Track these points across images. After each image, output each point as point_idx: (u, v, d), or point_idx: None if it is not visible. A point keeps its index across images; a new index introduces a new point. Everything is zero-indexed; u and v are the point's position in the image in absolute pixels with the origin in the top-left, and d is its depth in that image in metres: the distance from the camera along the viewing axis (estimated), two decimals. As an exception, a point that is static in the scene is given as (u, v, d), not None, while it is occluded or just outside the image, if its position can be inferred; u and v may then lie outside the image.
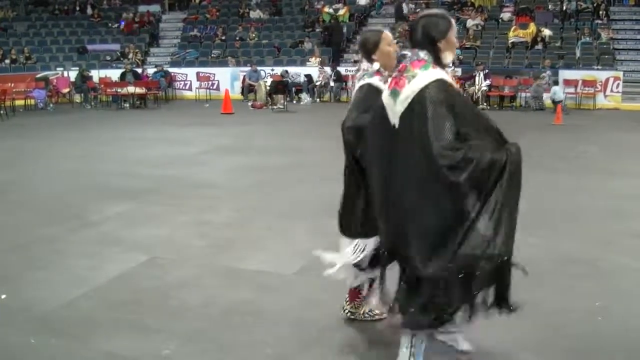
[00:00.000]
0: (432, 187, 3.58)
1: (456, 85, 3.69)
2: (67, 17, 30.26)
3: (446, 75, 3.71)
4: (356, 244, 4.65)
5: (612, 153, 12.26)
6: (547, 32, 24.27)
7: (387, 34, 4.58)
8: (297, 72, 23.43)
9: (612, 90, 21.19)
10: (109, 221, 7.89)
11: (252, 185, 9.85)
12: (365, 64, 4.59)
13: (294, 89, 22.98)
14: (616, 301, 5.28)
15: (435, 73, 3.65)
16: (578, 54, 23.33)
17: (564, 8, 26.21)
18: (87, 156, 12.62)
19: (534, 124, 17.58)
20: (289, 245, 6.91)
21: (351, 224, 4.68)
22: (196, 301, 5.40)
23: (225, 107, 19.75)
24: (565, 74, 21.43)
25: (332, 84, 23.16)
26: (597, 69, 21.91)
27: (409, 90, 3.62)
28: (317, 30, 26.65)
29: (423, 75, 3.63)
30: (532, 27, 24.23)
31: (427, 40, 3.72)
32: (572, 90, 21.14)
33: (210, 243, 6.97)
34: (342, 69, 23.54)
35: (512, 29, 24.40)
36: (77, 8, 30.62)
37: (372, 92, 4.29)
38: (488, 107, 21.13)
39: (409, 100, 3.62)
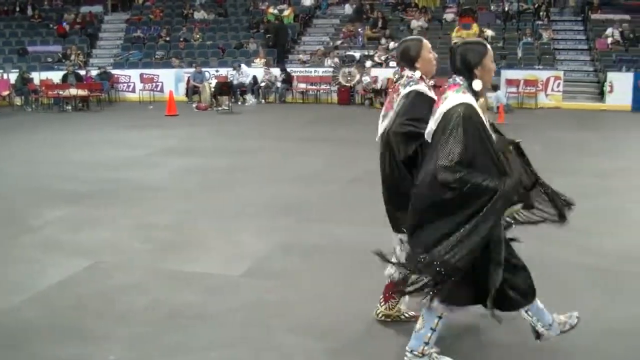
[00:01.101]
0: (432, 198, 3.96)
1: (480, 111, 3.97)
2: (6, 17, 29.65)
3: (473, 100, 3.95)
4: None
5: (553, 151, 12.46)
6: (489, 32, 24.54)
7: (426, 42, 4.82)
8: (247, 72, 23.23)
9: (553, 90, 21.52)
10: (51, 225, 7.75)
11: (197, 187, 9.78)
12: (408, 72, 4.70)
13: (238, 90, 22.86)
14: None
15: (463, 97, 3.92)
16: (520, 54, 23.68)
17: (506, 9, 26.60)
18: (28, 160, 12.39)
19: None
20: (235, 247, 6.88)
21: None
22: (141, 305, 5.34)
23: (169, 108, 19.56)
24: (507, 74, 21.70)
25: (279, 84, 23.10)
26: (539, 69, 22.25)
27: (440, 110, 3.96)
28: (262, 31, 26.56)
29: (453, 97, 3.94)
30: (475, 28, 24.47)
31: (464, 66, 4.06)
32: (514, 89, 21.42)
33: (155, 246, 6.91)
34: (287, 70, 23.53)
35: (456, 30, 24.60)
36: (17, 9, 30.05)
37: (418, 99, 4.49)
38: (432, 107, 21.31)
39: (439, 120, 3.95)
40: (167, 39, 26.95)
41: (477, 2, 27.37)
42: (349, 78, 22.38)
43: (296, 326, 4.96)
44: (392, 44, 23.72)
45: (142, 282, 5.88)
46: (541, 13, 26.09)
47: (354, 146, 13.38)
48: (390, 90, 4.94)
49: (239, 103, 22.34)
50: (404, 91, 4.61)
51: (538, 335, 4.32)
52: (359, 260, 6.42)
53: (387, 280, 4.97)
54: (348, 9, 27.44)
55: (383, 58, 23.21)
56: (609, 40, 23.65)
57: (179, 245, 6.97)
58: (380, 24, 25.74)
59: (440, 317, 4.18)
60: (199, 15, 28.49)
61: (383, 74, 22.00)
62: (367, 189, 9.56)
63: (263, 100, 23.14)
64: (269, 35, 25.77)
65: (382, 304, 5.08)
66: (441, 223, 3.95)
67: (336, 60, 23.37)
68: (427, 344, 4.20)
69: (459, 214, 3.89)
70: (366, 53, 23.74)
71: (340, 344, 4.68)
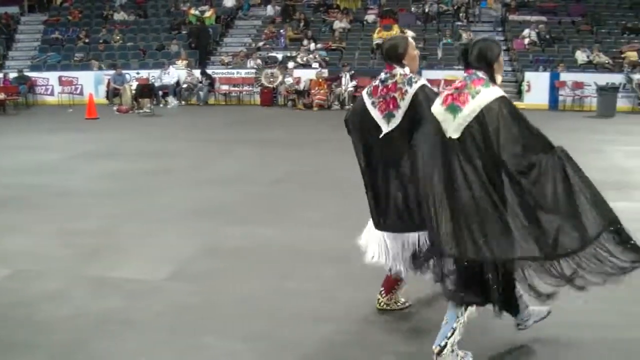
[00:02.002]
0: (485, 189, 3.98)
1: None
2: None
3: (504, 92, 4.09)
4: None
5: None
6: (410, 33, 24.74)
7: (411, 39, 5.07)
8: (174, 74, 22.92)
9: (472, 89, 21.92)
10: (-32, 233, 7.53)
11: (120, 191, 9.63)
12: (400, 69, 4.82)
13: (160, 92, 22.58)
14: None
15: (497, 91, 4.06)
16: (440, 54, 24.05)
17: (426, 10, 26.97)
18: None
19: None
20: (159, 251, 6.81)
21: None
22: (64, 313, 5.23)
23: (89, 112, 19.20)
24: (428, 74, 21.93)
25: (202, 86, 22.86)
26: (458, 69, 22.59)
27: (475, 105, 4.00)
28: (184, 32, 26.30)
29: (487, 92, 4.03)
30: (396, 29, 24.71)
31: (483, 62, 4.17)
32: (435, 89, 21.66)
33: (76, 252, 6.76)
34: (208, 72, 23.33)
35: (377, 31, 24.84)
36: None
37: (431, 93, 4.68)
38: (355, 108, 21.47)
39: (475, 113, 3.99)
40: (87, 40, 26.40)
41: (398, 4, 27.69)
42: (271, 79, 22.37)
43: (222, 329, 4.94)
44: (312, 45, 23.81)
45: (64, 289, 5.76)
46: (460, 14, 26.58)
47: (277, 147, 13.43)
48: (379, 89, 4.94)
49: (161, 105, 22.07)
50: (412, 89, 4.71)
51: (518, 325, 4.57)
52: (284, 261, 6.47)
53: (388, 273, 5.10)
54: (270, 10, 27.43)
55: (305, 59, 23.26)
56: (526, 41, 24.27)
57: (102, 250, 6.85)
58: (302, 25, 25.82)
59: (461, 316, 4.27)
60: (119, 16, 28.02)
61: (306, 75, 22.05)
62: (291, 190, 9.67)
63: (184, 103, 22.87)
64: (190, 37, 25.52)
65: (383, 295, 5.23)
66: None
67: (258, 61, 23.33)
68: (448, 338, 4.27)
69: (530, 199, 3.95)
70: (289, 54, 23.77)
71: (267, 345, 4.68)
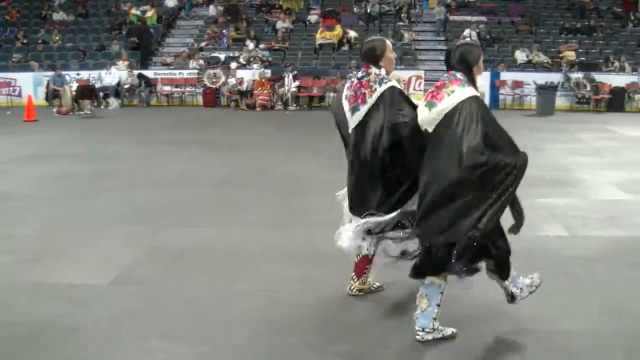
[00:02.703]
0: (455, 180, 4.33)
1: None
2: None
3: (478, 93, 4.46)
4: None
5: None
6: (352, 33, 24.97)
7: (389, 42, 5.35)
8: (116, 74, 22.52)
9: (415, 89, 22.06)
10: None
11: (60, 195, 9.44)
12: (375, 69, 5.14)
13: (101, 93, 22.20)
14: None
15: (470, 91, 4.42)
16: (382, 54, 24.15)
17: (368, 10, 27.11)
18: None
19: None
20: (101, 255, 6.70)
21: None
22: (2, 322, 5.10)
23: (28, 114, 18.78)
24: (370, 74, 22.13)
25: (142, 88, 22.55)
26: (401, 69, 22.75)
27: (448, 102, 4.38)
28: (125, 32, 25.94)
29: (461, 91, 4.40)
30: (339, 29, 24.86)
31: (464, 64, 4.53)
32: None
33: (15, 258, 6.60)
34: (150, 73, 23.05)
35: (319, 31, 24.92)
36: None
37: (400, 93, 5.05)
38: (298, 108, 21.50)
39: (447, 111, 4.37)
40: (25, 41, 25.83)
41: (340, 4, 27.81)
42: (214, 80, 22.21)
43: (168, 333, 4.88)
44: (251, 45, 23.71)
45: (2, 297, 5.62)
46: (402, 14, 26.79)
47: (220, 148, 13.34)
48: (354, 84, 5.21)
49: (102, 107, 21.71)
50: (381, 88, 5.03)
51: (513, 298, 4.82)
52: (229, 263, 6.43)
53: (357, 258, 5.40)
54: (212, 10, 27.27)
55: (248, 59, 23.17)
56: (467, 40, 24.49)
57: (41, 256, 6.70)
58: (245, 25, 25.72)
59: (442, 292, 4.59)
60: (58, 16, 27.53)
61: (249, 76, 21.96)
62: (234, 191, 9.62)
63: (123, 103, 22.46)
64: (131, 37, 25.19)
65: (355, 280, 5.49)
66: (460, 203, 4.34)
67: (201, 62, 23.12)
68: (435, 319, 4.61)
69: (482, 190, 4.32)
70: (231, 54, 23.63)
71: (213, 348, 4.64)
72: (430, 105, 4.47)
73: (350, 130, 5.16)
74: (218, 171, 10.90)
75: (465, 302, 5.13)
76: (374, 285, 5.62)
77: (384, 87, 5.03)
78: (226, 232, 7.47)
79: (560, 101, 21.82)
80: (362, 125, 5.06)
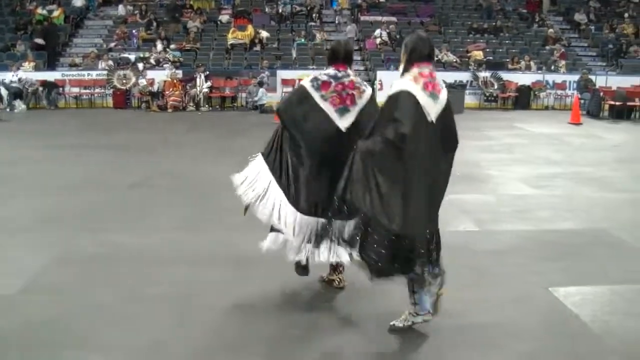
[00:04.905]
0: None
1: None
2: None
3: None
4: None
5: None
6: (264, 33, 24.96)
7: None
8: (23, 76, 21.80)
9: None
10: None
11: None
12: (350, 70, 5.31)
13: (6, 95, 21.47)
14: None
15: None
16: (294, 54, 24.24)
17: (280, 11, 27.13)
18: None
19: (256, 122, 18.05)
20: (8, 264, 6.46)
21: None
22: None
23: None
24: (282, 74, 22.15)
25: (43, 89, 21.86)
26: (312, 69, 22.82)
27: (445, 94, 4.67)
28: (30, 32, 25.18)
29: (443, 84, 4.77)
30: (250, 29, 24.78)
31: (432, 57, 4.79)
32: (289, 89, 21.75)
33: None
34: (58, 74, 22.45)
35: (231, 31, 24.79)
36: None
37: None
38: (210, 109, 21.33)
39: (446, 101, 4.66)
40: None
41: (252, 4, 27.73)
42: (124, 81, 21.80)
43: (80, 341, 4.78)
44: (160, 46, 23.42)
45: None
46: (314, 15, 26.90)
47: (131, 151, 13.11)
48: (332, 84, 5.20)
49: (7, 110, 21.04)
50: (369, 90, 5.30)
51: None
52: (141, 267, 6.32)
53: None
54: (122, 9, 26.81)
55: (158, 60, 22.87)
56: (378, 40, 24.84)
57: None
58: (155, 25, 25.39)
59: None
60: (-41, 16, 26.65)
61: (159, 77, 21.66)
62: (146, 194, 9.46)
63: (27, 105, 21.76)
64: (36, 37, 24.48)
65: (337, 273, 5.70)
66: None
67: (110, 62, 22.66)
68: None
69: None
70: (141, 55, 23.25)
71: (126, 354, 4.57)
72: (434, 96, 4.61)
73: (343, 130, 5.14)
74: (129, 174, 10.69)
75: (382, 298, 5.18)
76: (337, 282, 5.74)
77: (369, 89, 5.33)
78: (137, 236, 7.33)
79: (469, 99, 22.31)
80: (355, 125, 5.10)
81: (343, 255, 5.04)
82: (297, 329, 4.98)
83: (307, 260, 5.37)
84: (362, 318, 5.14)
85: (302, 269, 5.57)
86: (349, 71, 5.26)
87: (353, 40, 24.47)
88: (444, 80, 20.81)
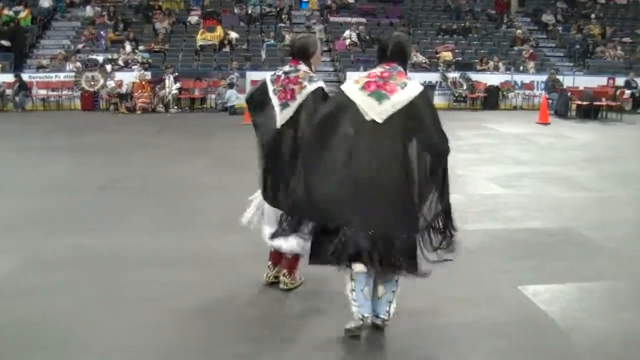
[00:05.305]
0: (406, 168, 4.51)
1: None
2: None
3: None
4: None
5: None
6: (233, 35, 24.90)
7: (319, 41, 5.54)
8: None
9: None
10: None
11: None
12: (304, 67, 5.27)
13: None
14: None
15: (419, 84, 4.64)
16: (264, 55, 24.21)
17: (249, 12, 27.08)
18: None
19: (226, 123, 18.02)
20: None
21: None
22: None
23: None
24: (252, 75, 22.08)
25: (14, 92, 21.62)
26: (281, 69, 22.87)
27: (405, 95, 4.50)
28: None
29: (413, 85, 4.59)
30: (219, 30, 24.71)
31: (401, 56, 4.73)
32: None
33: None
34: (25, 76, 22.18)
35: (200, 32, 24.70)
36: None
37: (323, 95, 5.08)
38: (179, 110, 21.23)
39: (405, 103, 4.48)
40: None
41: (221, 5, 27.64)
42: (92, 83, 21.63)
43: (51, 345, 4.71)
44: (128, 47, 23.27)
45: None
46: (283, 16, 26.88)
47: (100, 153, 13.02)
48: (281, 78, 5.30)
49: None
50: (310, 86, 5.11)
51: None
52: (112, 270, 6.26)
53: (272, 249, 5.62)
54: (89, 10, 26.60)
55: (127, 61, 22.72)
56: (347, 41, 24.89)
57: None
58: (123, 26, 25.21)
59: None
60: None
61: (128, 78, 21.51)
62: (115, 196, 9.39)
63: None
64: (3, 39, 24.19)
65: (271, 268, 5.74)
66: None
67: (78, 64, 22.48)
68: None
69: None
70: (109, 56, 23.08)
71: (98, 358, 4.52)
72: (379, 96, 4.53)
73: (278, 126, 5.18)
74: (98, 176, 10.60)
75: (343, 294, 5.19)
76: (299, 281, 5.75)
77: (314, 85, 5.13)
78: (108, 239, 7.25)
79: (438, 100, 22.43)
80: (293, 121, 5.11)
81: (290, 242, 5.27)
82: (267, 329, 4.97)
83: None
84: (331, 318, 5.14)
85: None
86: (300, 66, 5.26)
87: (322, 42, 24.53)
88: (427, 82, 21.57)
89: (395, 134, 4.49)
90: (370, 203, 4.53)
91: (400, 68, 4.67)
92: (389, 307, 4.81)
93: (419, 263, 4.63)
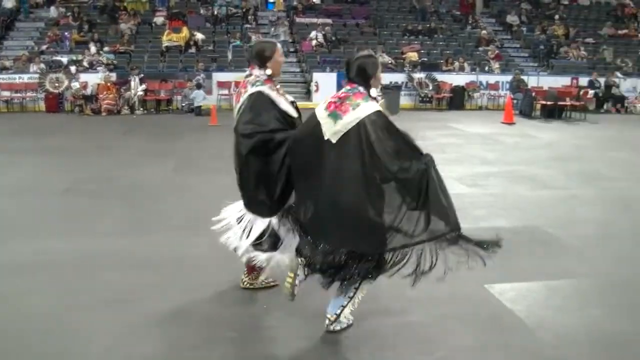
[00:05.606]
0: (366, 187, 4.54)
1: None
2: None
3: (380, 107, 4.66)
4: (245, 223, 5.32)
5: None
6: (199, 36, 24.80)
7: (280, 46, 5.49)
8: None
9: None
10: None
11: None
12: (257, 71, 5.28)
13: None
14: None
15: (374, 105, 4.63)
16: (230, 56, 24.14)
17: (215, 13, 26.98)
18: None
19: (192, 125, 17.93)
20: None
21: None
22: None
23: None
24: (218, 76, 22.04)
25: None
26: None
27: (354, 116, 4.55)
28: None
29: (366, 105, 4.59)
30: (185, 31, 24.60)
31: (362, 76, 4.72)
32: (225, 92, 21.68)
33: None
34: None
35: (166, 33, 24.56)
36: None
37: (261, 99, 5.12)
38: (145, 112, 21.07)
39: (353, 124, 4.54)
40: None
41: (187, 6, 27.52)
42: (56, 84, 21.39)
43: (14, 350, 4.66)
44: (93, 48, 23.08)
45: None
46: (249, 17, 26.83)
47: (65, 155, 12.88)
48: (239, 83, 5.50)
49: None
50: (250, 90, 5.18)
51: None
52: (75, 275, 6.19)
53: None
54: (54, 11, 26.31)
55: (92, 62, 22.52)
56: (314, 42, 24.90)
57: None
58: (88, 27, 24.98)
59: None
60: None
61: (93, 80, 21.31)
62: (81, 199, 9.29)
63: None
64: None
65: (245, 274, 5.69)
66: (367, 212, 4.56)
67: (42, 65, 22.23)
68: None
69: (400, 197, 4.60)
70: (74, 58, 22.86)
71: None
72: (334, 116, 4.63)
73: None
74: (62, 179, 10.48)
75: (320, 298, 5.19)
76: (265, 281, 5.75)
77: (252, 89, 5.18)
78: (71, 242, 7.16)
79: (405, 100, 22.55)
80: (237, 125, 5.24)
81: None
82: (235, 332, 4.96)
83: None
84: (299, 318, 5.14)
85: None
86: (254, 71, 5.32)
87: (287, 43, 24.54)
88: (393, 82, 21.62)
89: (354, 154, 4.54)
90: (330, 220, 4.67)
91: (360, 89, 4.70)
92: (340, 310, 4.87)
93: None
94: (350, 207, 4.56)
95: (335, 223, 4.64)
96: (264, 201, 5.19)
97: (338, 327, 4.90)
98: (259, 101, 5.13)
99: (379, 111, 4.60)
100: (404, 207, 4.57)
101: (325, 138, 4.62)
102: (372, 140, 4.50)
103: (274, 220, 5.20)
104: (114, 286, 5.86)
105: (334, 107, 4.66)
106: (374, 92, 4.74)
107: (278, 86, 5.41)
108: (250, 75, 5.32)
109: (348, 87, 4.75)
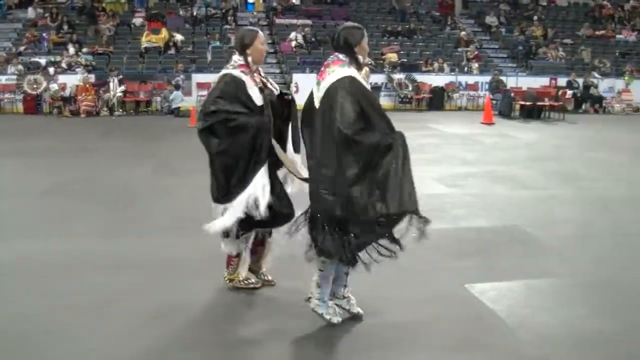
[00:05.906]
0: (331, 147, 4.67)
1: (363, 81, 4.83)
2: None
3: (356, 73, 4.80)
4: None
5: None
6: (179, 37, 24.70)
7: (262, 34, 5.58)
8: None
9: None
10: None
11: None
12: (236, 56, 5.46)
13: None
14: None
15: (348, 71, 4.77)
16: (209, 57, 24.07)
17: (194, 14, 26.91)
18: None
19: (172, 126, 17.89)
20: None
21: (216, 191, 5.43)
22: None
23: None
24: (198, 77, 21.97)
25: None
26: (229, 72, 22.78)
27: (328, 81, 4.75)
28: None
29: (339, 71, 4.76)
30: (164, 32, 24.51)
31: (346, 46, 4.86)
32: (204, 92, 21.54)
33: None
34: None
35: (145, 34, 24.45)
36: None
37: (228, 82, 5.29)
38: (124, 113, 20.97)
39: (326, 88, 4.73)
40: None
41: (166, 7, 27.42)
42: (34, 86, 21.23)
43: (10, 354, 4.62)
44: (71, 50, 22.94)
45: None
46: (229, 18, 26.78)
47: (43, 158, 12.79)
48: None
49: None
50: (221, 72, 5.41)
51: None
52: (57, 277, 6.16)
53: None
54: (31, 12, 26.12)
55: (71, 64, 22.38)
56: (293, 43, 24.90)
57: None
58: (66, 28, 24.82)
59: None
60: None
61: (71, 81, 21.19)
62: (61, 201, 9.23)
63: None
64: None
65: (226, 269, 5.71)
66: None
67: (20, 67, 22.06)
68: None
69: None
70: (52, 59, 22.71)
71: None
72: (318, 83, 4.87)
73: None
74: (40, 181, 10.41)
75: (295, 295, 5.19)
76: (244, 282, 5.71)
77: (223, 71, 5.41)
78: (52, 244, 7.12)
79: (384, 101, 22.53)
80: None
81: None
82: (219, 334, 4.95)
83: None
84: (282, 319, 5.14)
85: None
86: (235, 57, 5.52)
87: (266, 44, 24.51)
88: (373, 83, 21.62)
89: (322, 117, 4.76)
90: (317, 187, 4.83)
91: (340, 56, 4.86)
92: (313, 287, 4.98)
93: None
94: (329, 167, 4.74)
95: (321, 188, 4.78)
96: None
97: (319, 310, 4.99)
98: (227, 83, 5.30)
99: (351, 76, 4.74)
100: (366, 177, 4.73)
101: (315, 105, 4.87)
102: (334, 100, 4.65)
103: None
104: (96, 288, 5.82)
105: (319, 76, 4.90)
106: (360, 59, 4.89)
107: (262, 74, 5.59)
108: (230, 60, 5.53)
109: (331, 57, 4.93)
